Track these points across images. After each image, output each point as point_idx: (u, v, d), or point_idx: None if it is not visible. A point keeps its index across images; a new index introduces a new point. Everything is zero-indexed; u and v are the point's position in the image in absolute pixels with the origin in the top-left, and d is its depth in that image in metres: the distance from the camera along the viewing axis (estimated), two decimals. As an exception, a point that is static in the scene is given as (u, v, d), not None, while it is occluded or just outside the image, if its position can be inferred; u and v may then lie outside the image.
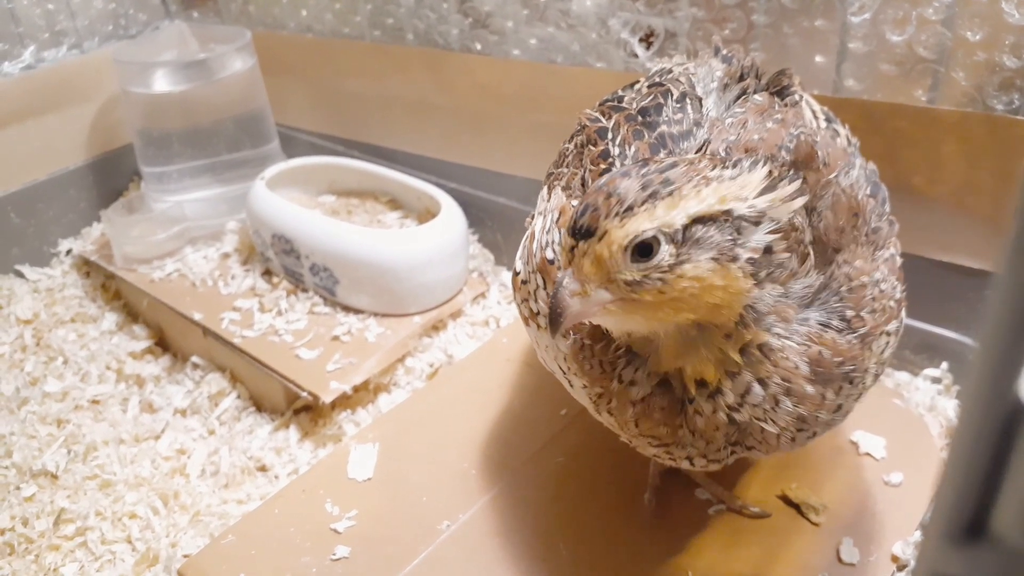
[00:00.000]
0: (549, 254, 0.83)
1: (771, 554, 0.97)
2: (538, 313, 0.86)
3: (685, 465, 0.84)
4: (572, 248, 0.67)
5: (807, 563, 0.95)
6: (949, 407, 1.18)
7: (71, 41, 1.85)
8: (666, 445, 0.80)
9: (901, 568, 0.96)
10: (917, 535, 0.98)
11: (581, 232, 0.67)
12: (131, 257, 1.63)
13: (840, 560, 0.95)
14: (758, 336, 0.72)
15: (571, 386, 0.87)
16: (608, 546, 0.99)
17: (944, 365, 1.22)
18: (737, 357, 0.72)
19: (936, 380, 1.23)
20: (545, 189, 0.96)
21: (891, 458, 1.09)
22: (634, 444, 0.84)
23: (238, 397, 1.42)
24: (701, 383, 0.75)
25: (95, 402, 1.44)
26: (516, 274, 0.92)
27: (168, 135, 1.68)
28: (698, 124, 0.83)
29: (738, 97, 0.87)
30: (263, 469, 1.28)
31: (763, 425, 0.75)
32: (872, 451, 1.10)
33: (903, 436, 1.12)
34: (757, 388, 0.73)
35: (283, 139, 1.83)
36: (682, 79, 0.90)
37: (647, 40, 1.29)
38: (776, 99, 0.88)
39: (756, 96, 0.87)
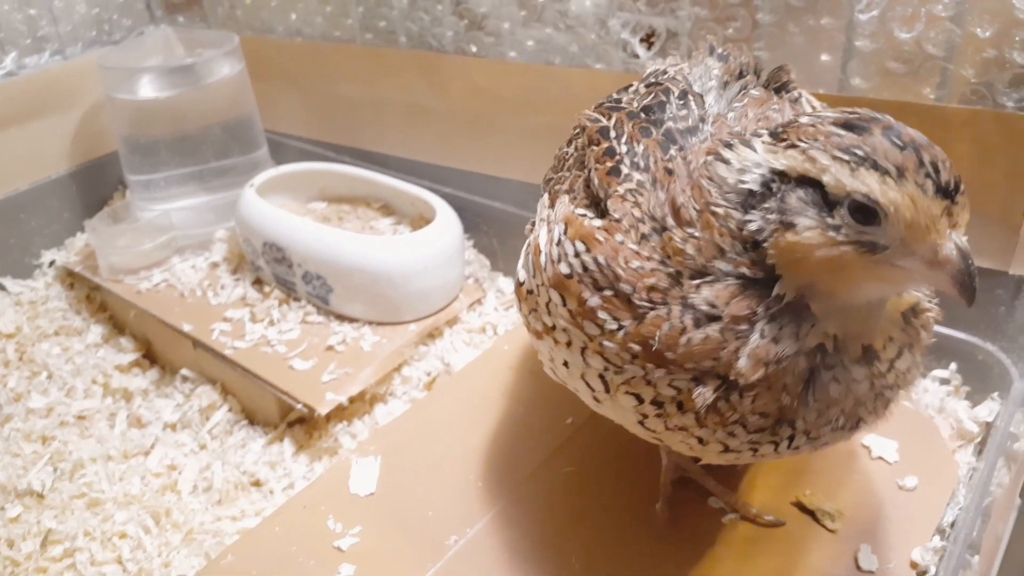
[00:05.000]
0: (564, 268, 0.80)
1: (788, 563, 0.95)
2: (553, 327, 0.83)
3: (751, 458, 0.81)
4: (948, 207, 0.63)
5: (826, 571, 0.94)
6: (959, 408, 1.16)
7: (54, 47, 1.82)
8: (763, 430, 0.75)
9: (921, 574, 0.94)
10: (936, 541, 0.96)
11: (956, 187, 0.64)
12: (117, 268, 1.60)
13: (859, 567, 0.94)
14: (918, 299, 0.77)
15: (607, 392, 0.82)
16: (620, 558, 0.97)
17: (953, 366, 1.21)
18: (902, 322, 0.76)
19: (945, 381, 1.21)
20: (546, 196, 0.94)
21: (904, 462, 1.07)
22: (708, 441, 0.78)
23: (230, 410, 1.39)
24: (867, 349, 0.74)
25: (81, 418, 1.40)
26: (520, 284, 0.90)
27: (154, 142, 1.64)
28: (703, 120, 0.83)
29: (738, 93, 0.88)
30: (257, 484, 1.25)
31: (897, 392, 0.78)
32: (885, 455, 1.08)
33: (914, 439, 1.10)
34: (907, 353, 0.76)
35: (272, 145, 1.81)
36: (679, 78, 0.90)
37: (648, 40, 1.27)
38: (773, 94, 0.89)
39: (753, 91, 0.87)
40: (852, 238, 0.64)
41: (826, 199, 0.65)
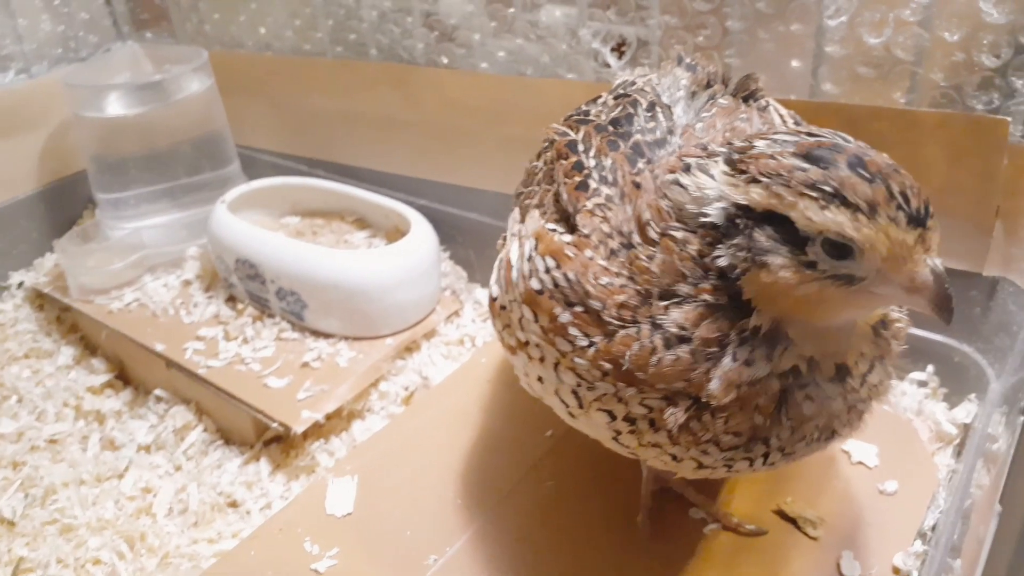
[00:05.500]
0: (535, 284, 0.79)
1: (771, 572, 0.94)
2: (527, 343, 0.82)
3: (725, 473, 0.80)
4: (921, 234, 0.62)
5: (808, 580, 0.93)
6: (937, 411, 1.16)
7: (19, 66, 1.79)
8: (737, 448, 0.74)
9: (903, 580, 0.93)
10: (917, 545, 0.96)
11: (927, 212, 0.62)
12: (87, 288, 1.57)
13: (841, 575, 0.93)
14: (887, 311, 0.77)
15: (581, 408, 0.81)
16: (603, 572, 0.95)
17: (930, 368, 1.21)
18: (872, 335, 0.75)
19: (922, 384, 1.21)
20: (517, 211, 0.94)
21: (884, 466, 1.07)
22: (681, 459, 0.78)
23: (205, 430, 1.36)
24: (840, 366, 0.73)
25: (53, 441, 1.37)
26: (493, 299, 0.89)
27: (124, 160, 1.62)
28: (671, 131, 0.82)
29: (706, 103, 0.87)
30: (234, 505, 1.23)
31: (870, 404, 0.78)
32: (865, 460, 1.08)
33: (893, 442, 1.10)
34: (879, 366, 0.76)
35: (244, 161, 1.79)
36: (647, 89, 0.90)
37: (619, 50, 1.26)
38: (741, 103, 0.89)
39: (721, 100, 0.87)
40: (828, 273, 0.64)
41: (796, 234, 0.64)
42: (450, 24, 1.43)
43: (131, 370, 1.52)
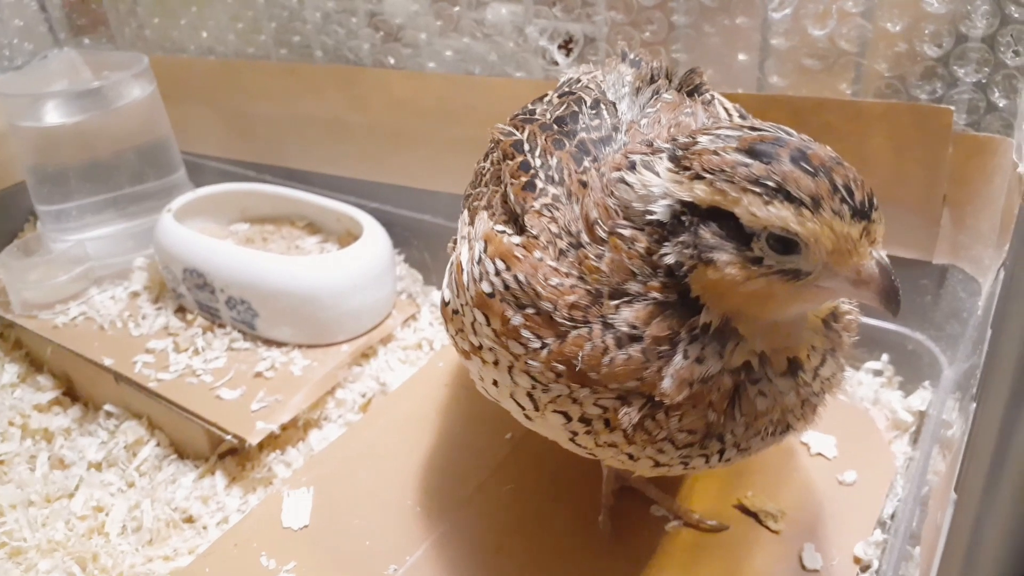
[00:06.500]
0: (486, 287, 0.78)
1: (733, 567, 0.94)
2: (480, 347, 0.81)
3: (682, 471, 0.79)
4: (866, 227, 0.62)
5: (770, 573, 0.93)
6: (893, 399, 1.17)
7: (-50, 76, 1.73)
8: (692, 445, 0.74)
9: (864, 569, 0.94)
10: (877, 534, 0.96)
11: (871, 204, 0.62)
12: (31, 303, 1.53)
13: (803, 567, 0.94)
14: (837, 304, 0.77)
15: (536, 411, 0.80)
16: (566, 573, 0.95)
17: (884, 357, 1.22)
18: (823, 329, 0.75)
19: (878, 373, 1.23)
20: (466, 213, 0.93)
21: (842, 456, 1.08)
22: (638, 457, 0.77)
23: (157, 445, 1.33)
24: (792, 361, 0.73)
25: (-2, 463, 1.33)
26: (446, 304, 0.88)
27: (64, 170, 1.58)
28: (616, 128, 0.82)
29: (651, 99, 0.87)
30: (190, 520, 1.21)
31: (824, 397, 0.78)
32: (824, 451, 1.08)
33: (851, 433, 1.11)
34: (830, 359, 0.76)
35: (190, 168, 1.75)
36: (592, 86, 0.89)
37: (566, 47, 1.26)
38: (686, 97, 0.88)
39: (666, 96, 0.87)
40: (774, 268, 0.64)
41: (741, 230, 0.63)
42: (395, 24, 1.41)
43: (79, 386, 1.48)
